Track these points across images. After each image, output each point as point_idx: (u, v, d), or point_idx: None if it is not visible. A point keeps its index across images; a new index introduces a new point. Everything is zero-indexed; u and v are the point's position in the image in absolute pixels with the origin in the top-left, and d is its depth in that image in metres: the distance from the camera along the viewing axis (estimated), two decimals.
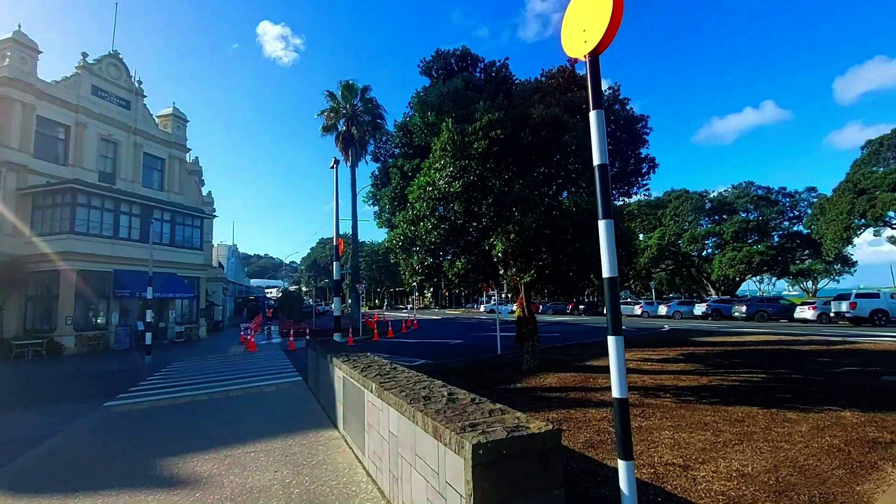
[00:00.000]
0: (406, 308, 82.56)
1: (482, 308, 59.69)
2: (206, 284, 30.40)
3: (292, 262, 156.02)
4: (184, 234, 26.55)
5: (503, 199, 8.38)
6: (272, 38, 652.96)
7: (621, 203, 12.23)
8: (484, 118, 8.46)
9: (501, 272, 9.57)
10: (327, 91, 33.68)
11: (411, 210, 9.31)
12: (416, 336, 26.01)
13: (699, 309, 35.86)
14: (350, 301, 38.33)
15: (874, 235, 35.92)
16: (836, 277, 67.53)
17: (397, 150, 11.70)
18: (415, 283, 9.96)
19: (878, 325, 24.94)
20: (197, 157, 33.93)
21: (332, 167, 13.28)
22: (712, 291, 51.09)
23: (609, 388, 9.04)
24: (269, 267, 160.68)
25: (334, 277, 13.01)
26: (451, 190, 8.30)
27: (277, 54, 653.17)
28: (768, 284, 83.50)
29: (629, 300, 46.51)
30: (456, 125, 8.51)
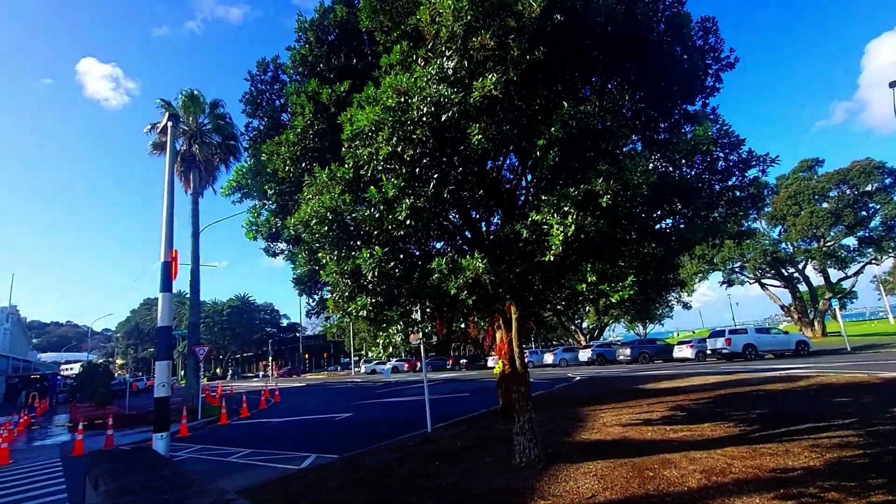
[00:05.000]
0: (258, 375, 70.68)
1: (361, 369, 52.70)
2: None
3: (105, 329, 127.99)
4: None
5: (575, 132, 4.00)
6: (97, 77, 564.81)
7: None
8: None
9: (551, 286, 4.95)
10: (162, 100, 25.79)
11: (354, 161, 4.39)
12: (282, 412, 19.33)
13: (584, 355, 35.66)
14: (186, 370, 29.13)
15: (721, 279, 40.30)
16: (660, 321, 76.25)
17: (304, 72, 6.49)
18: (359, 315, 4.58)
19: (750, 359, 26.03)
20: None
21: (164, 126, 7.62)
22: (581, 338, 52.40)
23: (720, 488, 4.63)
24: (71, 337, 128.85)
25: (160, 323, 6.95)
26: (470, 100, 3.73)
27: (103, 95, 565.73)
28: (610, 330, 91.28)
29: None
30: None
